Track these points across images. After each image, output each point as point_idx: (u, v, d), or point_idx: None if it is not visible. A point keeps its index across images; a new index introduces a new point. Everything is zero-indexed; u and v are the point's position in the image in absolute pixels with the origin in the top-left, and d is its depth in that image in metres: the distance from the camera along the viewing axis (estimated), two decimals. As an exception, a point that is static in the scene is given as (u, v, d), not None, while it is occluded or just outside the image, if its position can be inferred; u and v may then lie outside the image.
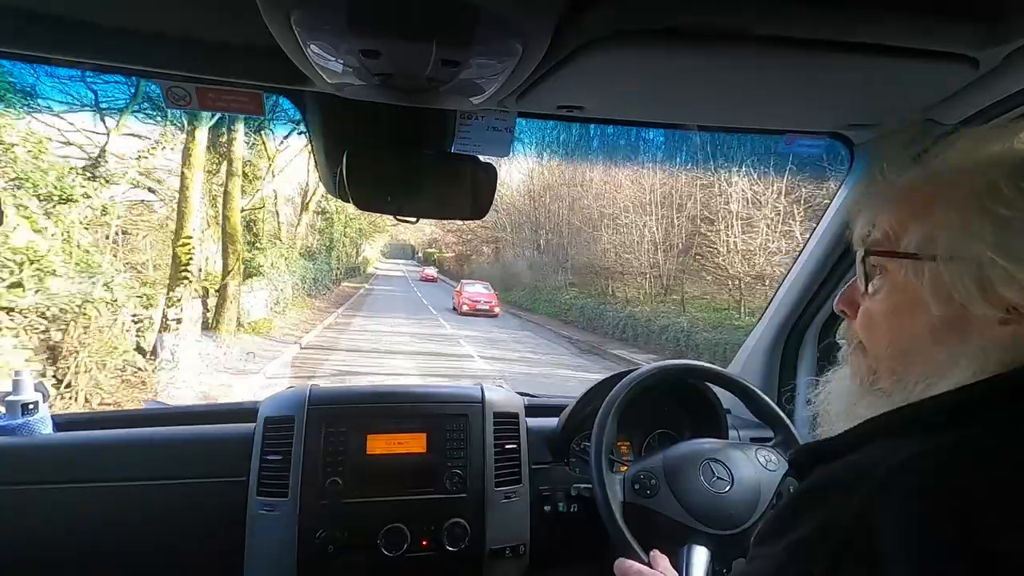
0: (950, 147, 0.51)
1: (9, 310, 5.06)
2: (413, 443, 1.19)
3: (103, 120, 8.06)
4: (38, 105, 6.67)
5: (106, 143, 7.84)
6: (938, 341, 0.46)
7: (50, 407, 1.22)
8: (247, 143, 10.72)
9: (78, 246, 6.24)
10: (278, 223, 15.46)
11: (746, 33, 0.70)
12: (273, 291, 12.08)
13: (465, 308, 17.50)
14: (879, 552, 0.37)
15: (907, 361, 0.49)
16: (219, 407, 1.42)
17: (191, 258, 8.24)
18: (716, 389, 1.32)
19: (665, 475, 1.04)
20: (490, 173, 1.02)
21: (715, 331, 10.50)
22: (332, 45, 0.68)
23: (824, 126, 1.09)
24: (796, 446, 1.09)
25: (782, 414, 1.15)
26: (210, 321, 9.28)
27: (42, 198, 5.91)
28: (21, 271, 5.21)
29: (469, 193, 1.03)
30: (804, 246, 1.38)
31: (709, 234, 12.07)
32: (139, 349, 6.70)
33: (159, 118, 8.14)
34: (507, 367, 9.69)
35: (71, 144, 8.27)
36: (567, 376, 9.42)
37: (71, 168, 6.66)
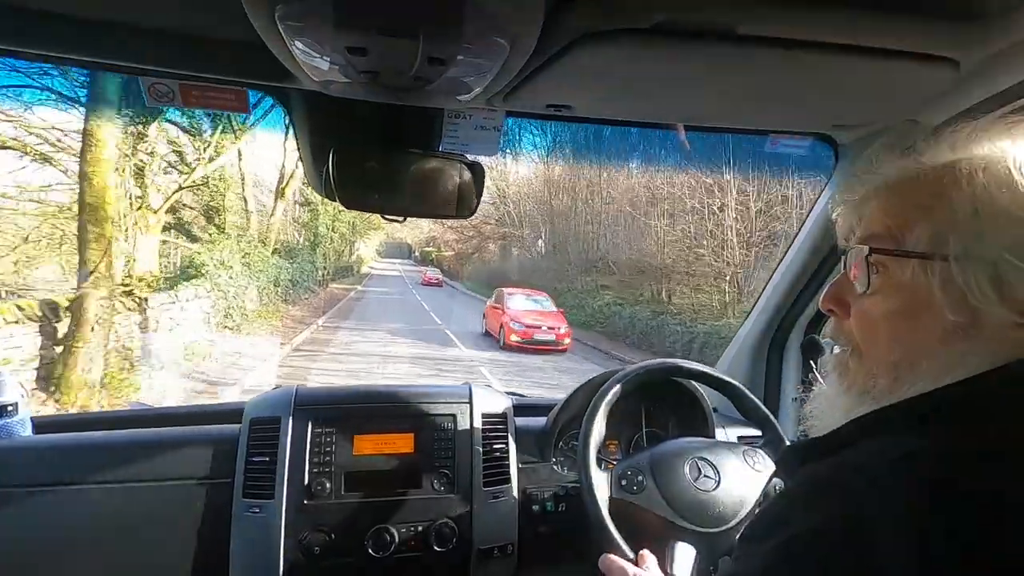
0: (946, 141, 0.49)
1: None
2: (401, 443, 1.18)
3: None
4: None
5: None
6: (947, 344, 0.44)
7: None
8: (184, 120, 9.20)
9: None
10: (246, 212, 13.07)
11: (731, 33, 0.70)
12: (221, 299, 9.25)
13: (515, 341, 10.78)
14: (874, 551, 0.36)
15: (911, 364, 0.46)
16: (203, 408, 1.40)
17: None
18: (703, 388, 1.33)
19: (652, 471, 1.04)
20: (478, 172, 1.02)
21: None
22: (318, 42, 0.68)
23: (808, 127, 1.10)
24: (783, 445, 1.10)
25: (769, 413, 1.16)
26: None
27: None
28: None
29: (457, 192, 1.03)
30: (789, 246, 1.39)
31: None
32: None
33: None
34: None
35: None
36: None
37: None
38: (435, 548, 1.13)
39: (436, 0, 0.61)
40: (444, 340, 11.47)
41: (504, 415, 1.27)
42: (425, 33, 0.64)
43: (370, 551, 1.10)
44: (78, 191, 6.47)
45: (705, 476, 1.04)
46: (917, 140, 0.53)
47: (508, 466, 1.22)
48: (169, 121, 9.17)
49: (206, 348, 7.91)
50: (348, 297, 18.43)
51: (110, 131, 6.49)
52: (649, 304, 12.87)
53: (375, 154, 1.00)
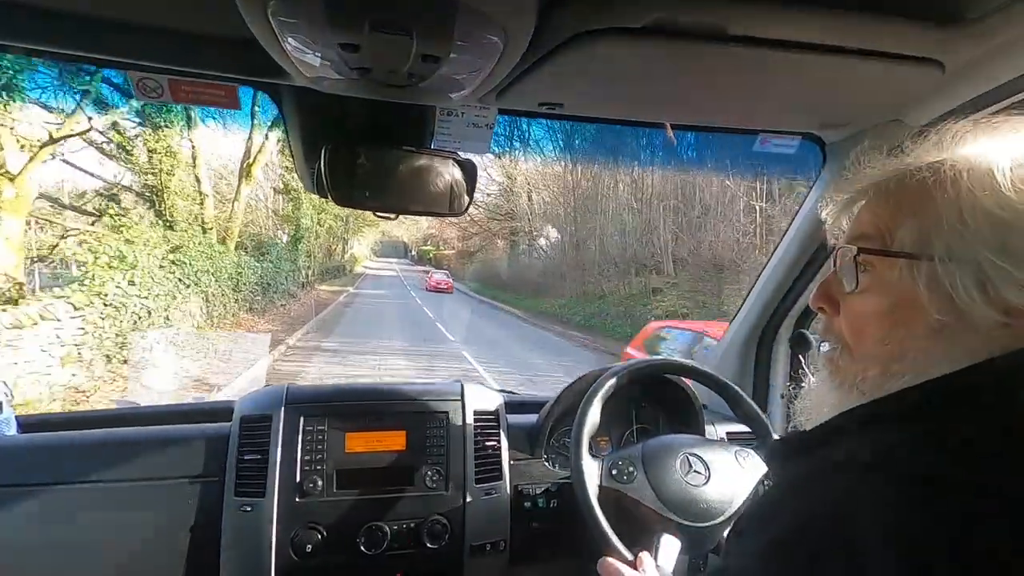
0: (932, 141, 0.50)
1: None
2: (392, 441, 1.18)
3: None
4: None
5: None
6: (933, 342, 0.45)
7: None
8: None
9: None
10: (200, 195, 10.46)
11: (721, 33, 0.71)
12: (123, 312, 6.19)
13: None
14: (860, 542, 0.37)
15: (899, 361, 0.47)
16: (192, 407, 1.39)
17: None
18: (693, 384, 1.34)
19: (643, 463, 1.05)
20: (470, 170, 1.02)
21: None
22: (310, 38, 0.67)
23: (797, 126, 1.12)
24: (771, 440, 1.12)
25: (759, 411, 1.18)
26: None
27: None
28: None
29: (449, 190, 1.03)
30: (778, 244, 1.41)
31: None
32: None
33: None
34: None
35: None
36: None
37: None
38: (427, 545, 1.14)
39: None
40: (452, 354, 9.73)
41: (496, 412, 1.28)
42: (419, 30, 0.64)
43: (362, 548, 1.10)
44: None
45: (695, 472, 1.05)
46: (904, 140, 0.54)
47: (500, 463, 1.23)
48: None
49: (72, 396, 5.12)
50: (337, 302, 15.87)
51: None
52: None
53: (367, 151, 1.00)
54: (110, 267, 6.35)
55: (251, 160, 11.55)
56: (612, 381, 1.12)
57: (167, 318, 7.18)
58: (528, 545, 1.23)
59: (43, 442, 1.14)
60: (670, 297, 12.41)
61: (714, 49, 0.73)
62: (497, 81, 0.82)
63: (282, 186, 15.22)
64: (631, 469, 1.05)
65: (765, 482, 1.05)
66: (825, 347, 0.57)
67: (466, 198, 1.04)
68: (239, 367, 6.43)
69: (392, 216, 1.05)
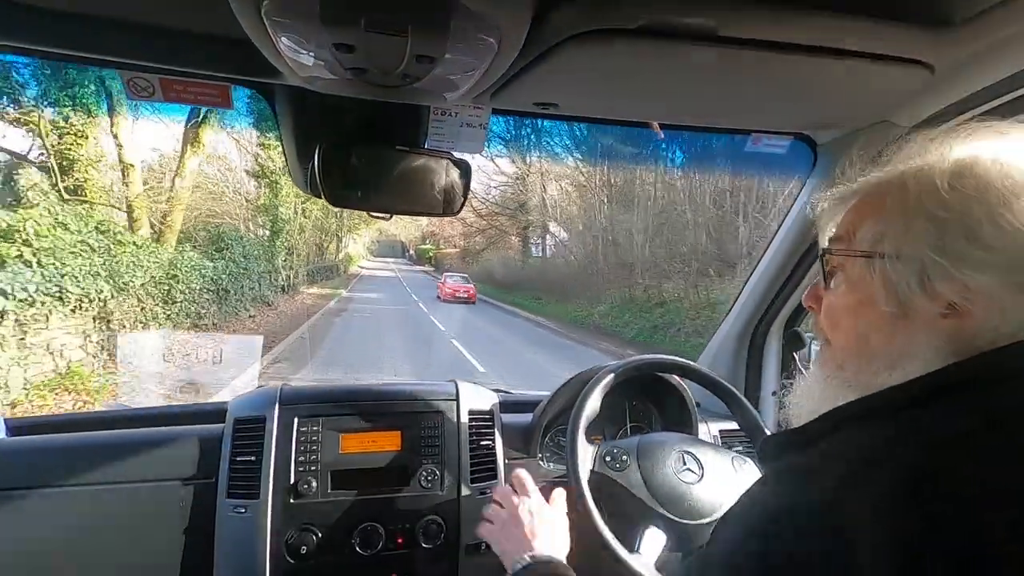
0: (902, 150, 0.54)
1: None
2: (387, 441, 1.18)
3: None
4: None
5: None
6: (890, 333, 0.49)
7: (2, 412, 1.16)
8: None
9: None
10: (122, 170, 7.99)
11: (714, 35, 0.72)
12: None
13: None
14: (850, 530, 0.37)
15: (866, 353, 0.51)
16: (184, 408, 1.38)
17: None
18: (687, 383, 1.35)
19: (637, 455, 1.07)
20: (464, 169, 1.02)
21: None
22: (304, 38, 0.67)
23: (788, 126, 1.13)
24: (763, 437, 1.13)
25: (752, 408, 1.19)
26: None
27: None
28: None
29: (443, 189, 1.03)
30: (770, 243, 1.42)
31: None
32: None
33: None
34: None
35: None
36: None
37: None
38: (423, 545, 1.14)
39: None
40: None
41: (490, 411, 1.28)
42: (414, 30, 0.64)
43: (357, 549, 1.10)
44: None
45: (689, 469, 1.06)
46: (891, 142, 0.56)
47: (495, 462, 1.23)
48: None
49: None
50: (325, 309, 12.91)
51: None
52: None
53: (360, 151, 0.99)
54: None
55: (197, 123, 8.11)
56: (610, 376, 1.14)
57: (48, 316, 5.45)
58: None
59: (32, 445, 1.13)
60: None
61: (706, 50, 0.74)
62: (491, 81, 0.82)
63: (257, 167, 11.94)
64: (625, 458, 1.06)
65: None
66: (815, 344, 0.60)
67: (460, 198, 1.04)
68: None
69: (387, 216, 1.05)
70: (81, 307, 5.95)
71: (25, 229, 5.45)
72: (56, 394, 5.32)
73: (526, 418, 1.35)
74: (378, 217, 1.05)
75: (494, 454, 1.24)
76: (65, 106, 7.11)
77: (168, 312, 7.66)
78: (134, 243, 7.22)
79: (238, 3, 0.62)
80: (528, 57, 0.75)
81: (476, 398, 1.28)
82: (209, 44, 0.79)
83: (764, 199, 10.96)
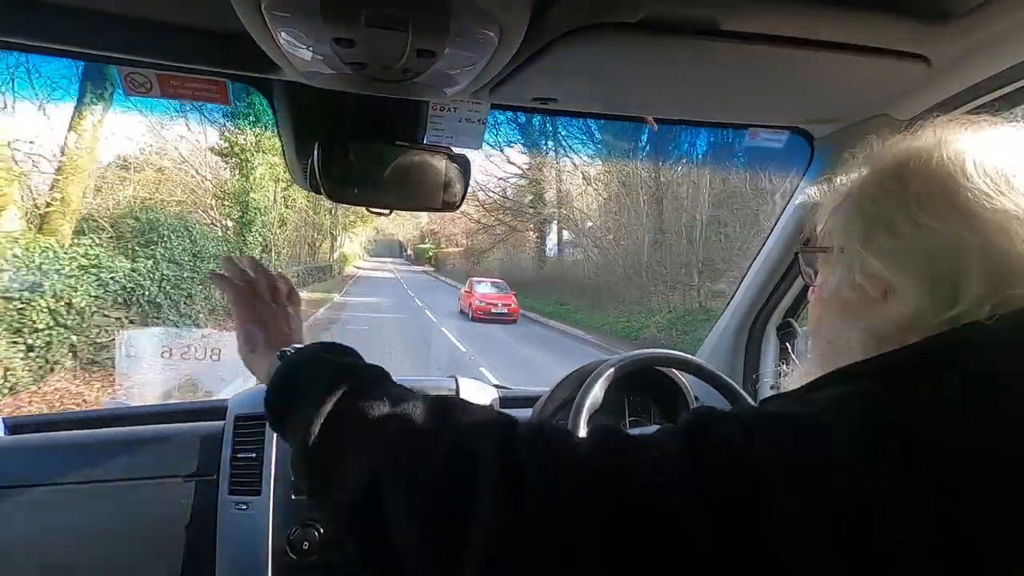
0: (872, 150, 0.57)
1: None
2: None
3: None
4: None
5: None
6: (847, 318, 0.53)
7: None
8: None
9: None
10: None
11: (714, 28, 0.72)
12: None
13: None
14: (827, 448, 0.38)
15: (837, 337, 0.54)
16: (183, 406, 1.38)
17: None
18: (686, 377, 1.36)
19: None
20: (464, 165, 1.02)
21: None
22: (304, 32, 0.67)
23: (785, 121, 1.13)
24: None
25: (752, 402, 1.20)
26: None
27: None
28: None
29: (442, 185, 1.03)
30: (767, 236, 1.43)
31: None
32: None
33: None
34: None
35: None
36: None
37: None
38: None
39: None
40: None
41: (490, 407, 1.28)
42: (414, 25, 0.64)
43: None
44: None
45: None
46: (889, 135, 0.57)
47: None
48: None
49: None
50: (311, 320, 10.62)
51: None
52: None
53: (359, 147, 0.99)
54: None
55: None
56: (611, 371, 1.15)
57: None
58: None
59: (31, 443, 1.13)
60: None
61: (704, 44, 0.74)
62: (490, 76, 0.82)
63: (225, 144, 9.61)
64: None
65: None
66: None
67: (460, 193, 1.04)
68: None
69: (386, 212, 1.05)
70: None
71: None
72: None
73: (526, 413, 1.36)
74: (377, 213, 1.05)
75: None
76: None
77: (53, 347, 4.60)
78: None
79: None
80: (528, 52, 0.75)
81: (476, 393, 1.28)
82: (207, 39, 0.79)
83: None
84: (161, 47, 0.82)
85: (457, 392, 1.26)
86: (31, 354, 5.15)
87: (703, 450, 0.42)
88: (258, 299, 0.75)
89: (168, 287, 7.41)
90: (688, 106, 1.06)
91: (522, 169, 19.71)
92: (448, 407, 0.56)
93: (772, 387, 1.52)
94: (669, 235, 13.15)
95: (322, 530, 1.09)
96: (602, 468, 0.44)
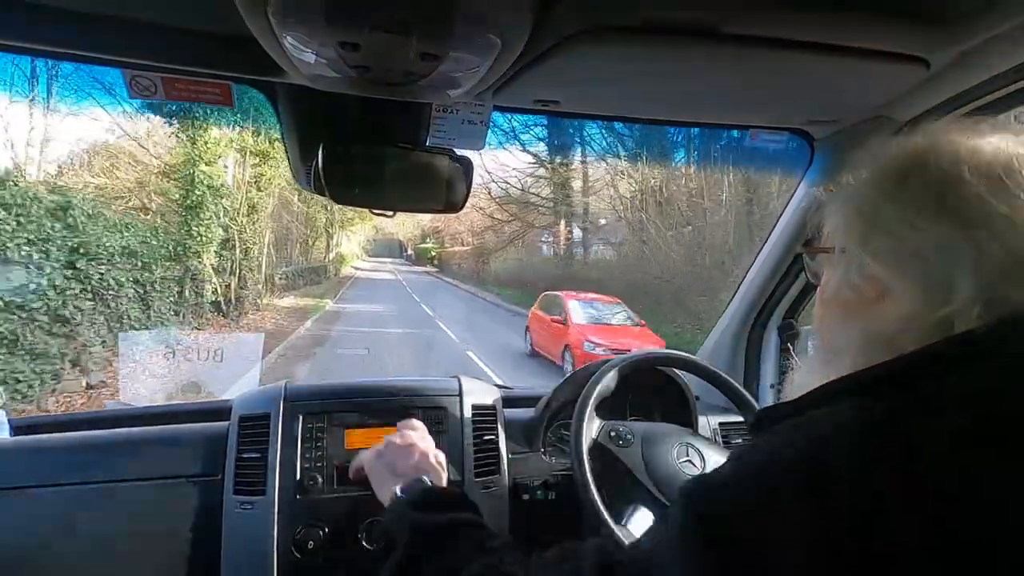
0: (873, 152, 0.57)
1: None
2: None
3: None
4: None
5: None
6: (847, 319, 0.53)
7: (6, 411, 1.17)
8: None
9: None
10: None
11: (714, 31, 0.72)
12: None
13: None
14: (830, 493, 0.39)
15: (836, 337, 0.55)
16: (187, 407, 1.39)
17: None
18: (687, 376, 1.37)
19: (642, 438, 1.10)
20: (466, 166, 1.03)
21: None
22: (309, 36, 0.68)
23: (786, 122, 1.14)
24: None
25: (753, 401, 1.21)
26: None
27: None
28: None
29: (444, 186, 1.04)
30: (767, 237, 1.43)
31: None
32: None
33: None
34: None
35: None
36: None
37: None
38: None
39: None
40: None
41: (493, 407, 1.29)
42: (418, 29, 0.64)
43: (364, 543, 1.11)
44: None
45: (690, 461, 1.08)
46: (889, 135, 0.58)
47: (498, 457, 1.24)
48: None
49: None
50: (288, 342, 8.84)
51: None
52: None
53: (363, 148, 1.00)
54: None
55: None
56: (614, 371, 1.17)
57: None
58: (527, 537, 1.25)
59: (37, 444, 1.14)
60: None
61: (705, 47, 0.75)
62: (494, 79, 0.82)
63: (177, 113, 7.59)
64: (630, 437, 1.10)
65: None
66: (811, 338, 0.63)
67: (462, 195, 1.05)
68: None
69: (389, 214, 1.06)
70: None
71: None
72: None
73: (529, 413, 1.36)
74: (380, 214, 1.06)
75: (497, 448, 1.25)
76: None
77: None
78: None
79: (244, 2, 0.62)
80: (530, 55, 0.76)
81: (479, 393, 1.29)
82: (213, 43, 0.80)
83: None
84: (167, 50, 0.82)
85: (460, 392, 1.26)
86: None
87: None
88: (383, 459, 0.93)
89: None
90: (689, 108, 1.06)
91: (540, 159, 16.96)
92: None
93: (772, 386, 1.53)
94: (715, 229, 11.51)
95: (326, 529, 1.10)
96: None
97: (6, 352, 5.05)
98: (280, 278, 13.16)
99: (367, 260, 30.18)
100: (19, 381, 5.15)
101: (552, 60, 0.77)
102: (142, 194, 9.00)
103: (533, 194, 17.89)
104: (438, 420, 1.22)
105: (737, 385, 1.22)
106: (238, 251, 9.99)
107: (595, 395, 1.11)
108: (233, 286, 9.84)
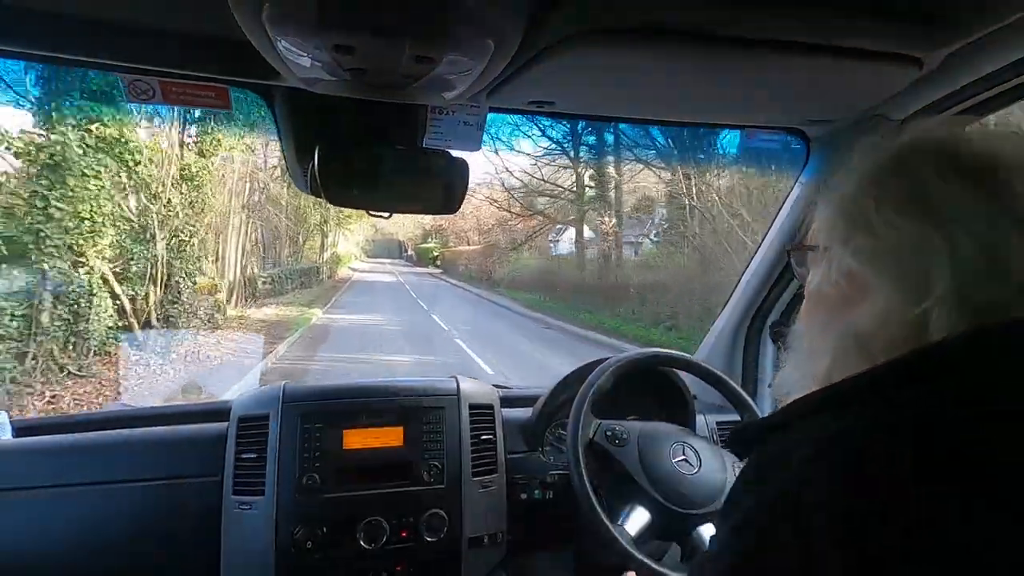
0: (861, 151, 0.57)
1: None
2: (390, 437, 1.20)
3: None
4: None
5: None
6: (829, 317, 0.53)
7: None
8: None
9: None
10: None
11: (707, 33, 0.73)
12: None
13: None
14: (809, 529, 0.39)
15: (817, 335, 0.55)
16: (187, 407, 1.40)
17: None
18: (685, 376, 1.37)
19: (638, 438, 1.11)
20: (462, 168, 1.03)
21: None
22: (304, 40, 0.68)
23: (781, 122, 1.14)
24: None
25: (750, 400, 1.21)
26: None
27: None
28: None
29: (441, 187, 1.04)
30: (765, 235, 1.44)
31: None
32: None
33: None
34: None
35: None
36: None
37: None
38: (426, 538, 1.15)
39: (423, 0, 0.62)
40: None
41: (491, 407, 1.29)
42: (412, 32, 0.65)
43: (362, 543, 1.12)
44: None
45: (687, 460, 1.08)
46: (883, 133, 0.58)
47: (496, 456, 1.25)
48: None
49: None
50: (251, 378, 6.11)
51: None
52: None
53: (359, 150, 1.01)
54: None
55: None
56: (612, 370, 1.18)
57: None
58: (525, 536, 1.26)
59: (39, 446, 1.15)
60: None
61: (700, 50, 0.75)
62: (488, 81, 0.83)
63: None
64: (626, 436, 1.11)
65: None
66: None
67: (459, 195, 1.05)
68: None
69: (386, 215, 1.07)
70: None
71: None
72: None
73: (526, 412, 1.37)
74: (377, 216, 1.07)
75: (495, 448, 1.25)
76: None
77: None
78: None
79: (239, 6, 0.63)
80: (525, 57, 0.77)
81: (477, 393, 1.29)
82: (209, 46, 0.80)
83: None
84: (164, 54, 0.83)
85: (458, 392, 1.27)
86: None
87: None
88: None
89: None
90: (684, 109, 1.07)
91: (562, 146, 13.93)
92: None
93: (770, 385, 1.53)
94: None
95: (325, 529, 1.11)
96: None
97: None
98: (264, 282, 11.20)
99: (366, 261, 28.77)
100: None
101: (546, 62, 0.78)
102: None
103: (558, 186, 15.06)
104: (436, 420, 1.23)
105: (734, 384, 1.22)
106: (160, 245, 6.72)
107: (591, 395, 1.12)
108: (153, 300, 6.74)
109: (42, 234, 5.22)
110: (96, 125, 5.57)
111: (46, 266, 5.25)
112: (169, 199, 6.93)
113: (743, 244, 9.03)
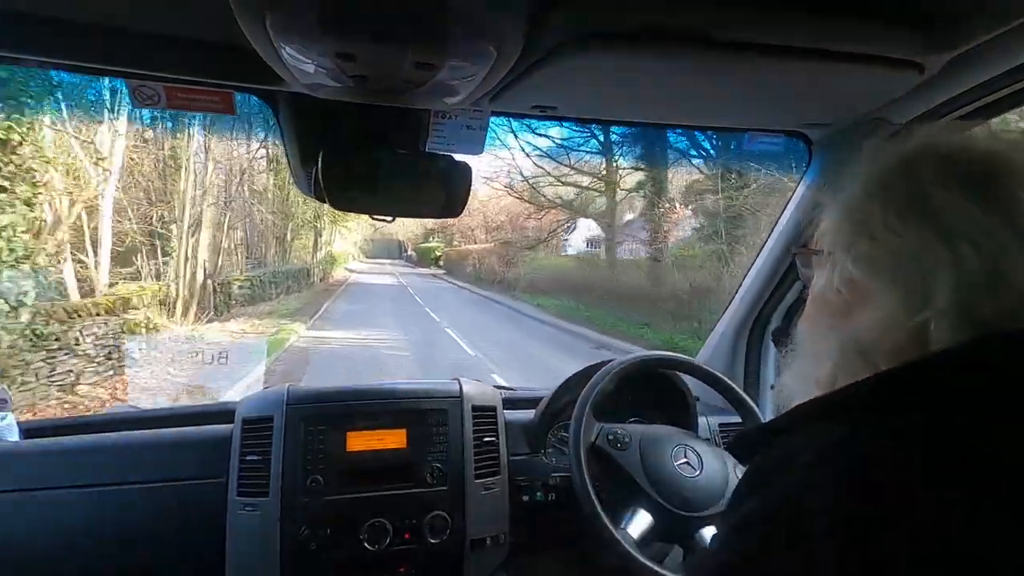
0: (866, 156, 0.57)
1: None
2: (393, 439, 1.20)
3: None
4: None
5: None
6: (830, 322, 0.53)
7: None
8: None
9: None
10: None
11: (708, 38, 0.73)
12: None
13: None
14: (811, 536, 0.39)
15: (819, 340, 0.55)
16: (193, 409, 1.41)
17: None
18: (686, 378, 1.37)
19: (640, 441, 1.12)
20: (465, 171, 1.04)
21: None
22: (307, 47, 0.69)
23: (783, 125, 1.14)
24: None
25: (751, 403, 1.21)
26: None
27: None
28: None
29: (444, 191, 1.05)
30: (766, 238, 1.43)
31: None
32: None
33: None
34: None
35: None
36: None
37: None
38: (429, 540, 1.16)
39: (424, 6, 0.62)
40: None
41: (493, 409, 1.30)
42: (414, 39, 0.65)
43: (366, 544, 1.12)
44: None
45: (688, 463, 1.09)
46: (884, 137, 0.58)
47: (499, 458, 1.25)
48: None
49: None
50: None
51: None
52: None
53: (362, 155, 1.01)
54: None
55: None
56: (615, 372, 1.18)
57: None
58: (528, 538, 1.26)
59: (46, 447, 1.16)
60: None
61: (700, 53, 0.75)
62: (491, 86, 0.83)
63: None
64: (627, 440, 1.11)
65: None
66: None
67: (461, 200, 1.06)
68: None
69: (389, 219, 1.07)
70: None
71: None
72: None
73: (529, 414, 1.37)
74: (381, 220, 1.07)
75: (498, 450, 1.26)
76: None
77: None
78: None
79: (243, 14, 0.63)
80: (526, 62, 0.77)
81: (480, 395, 1.30)
82: (214, 53, 0.81)
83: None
84: (169, 61, 0.84)
85: (460, 394, 1.27)
86: None
87: None
88: None
89: None
90: (686, 112, 1.07)
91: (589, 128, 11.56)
92: None
93: (772, 387, 1.53)
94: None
95: (328, 530, 1.11)
96: None
97: None
98: (240, 287, 9.62)
99: (364, 262, 27.20)
100: None
101: (549, 67, 0.78)
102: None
103: (587, 173, 13.11)
104: (439, 422, 1.23)
105: (735, 387, 1.22)
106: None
107: (593, 398, 1.12)
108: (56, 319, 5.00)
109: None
110: None
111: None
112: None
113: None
